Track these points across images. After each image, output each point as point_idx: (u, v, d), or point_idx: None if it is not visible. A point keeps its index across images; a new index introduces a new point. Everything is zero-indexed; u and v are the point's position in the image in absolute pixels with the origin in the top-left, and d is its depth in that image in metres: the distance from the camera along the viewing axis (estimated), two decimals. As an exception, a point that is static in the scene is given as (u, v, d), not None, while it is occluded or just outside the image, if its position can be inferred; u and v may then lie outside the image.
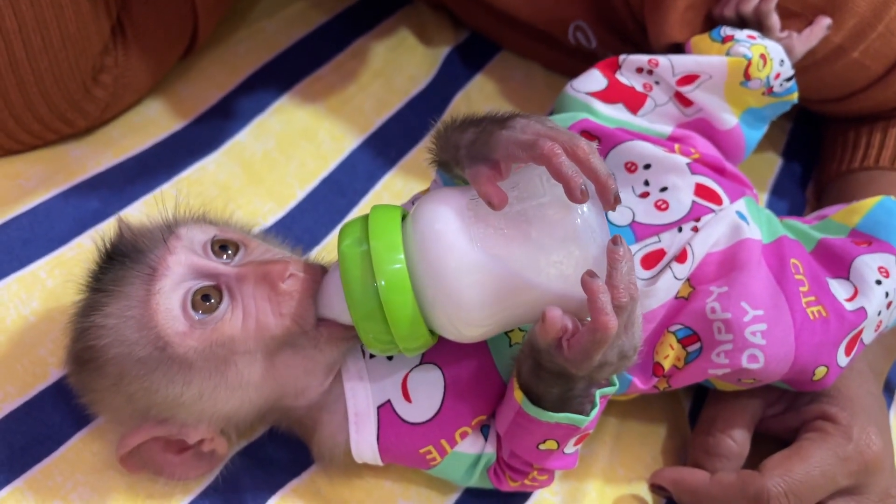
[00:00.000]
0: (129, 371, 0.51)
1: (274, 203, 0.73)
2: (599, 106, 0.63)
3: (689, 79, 0.65)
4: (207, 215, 0.57)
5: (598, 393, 0.51)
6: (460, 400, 0.54)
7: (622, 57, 0.66)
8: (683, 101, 0.65)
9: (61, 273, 0.65)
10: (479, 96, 0.86)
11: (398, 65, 0.87)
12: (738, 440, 0.60)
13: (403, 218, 0.50)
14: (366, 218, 0.50)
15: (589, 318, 0.46)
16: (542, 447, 0.52)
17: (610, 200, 0.46)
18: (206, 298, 0.51)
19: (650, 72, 0.65)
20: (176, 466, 0.55)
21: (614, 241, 0.46)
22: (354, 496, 0.59)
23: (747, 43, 0.65)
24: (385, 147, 0.79)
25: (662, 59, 0.65)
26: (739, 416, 0.60)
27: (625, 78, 0.65)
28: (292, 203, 0.74)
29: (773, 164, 0.86)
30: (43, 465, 0.57)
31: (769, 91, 0.65)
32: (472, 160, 0.48)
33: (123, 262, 0.52)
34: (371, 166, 0.77)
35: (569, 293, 0.47)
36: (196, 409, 0.52)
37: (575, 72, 0.86)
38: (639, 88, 0.65)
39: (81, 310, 0.53)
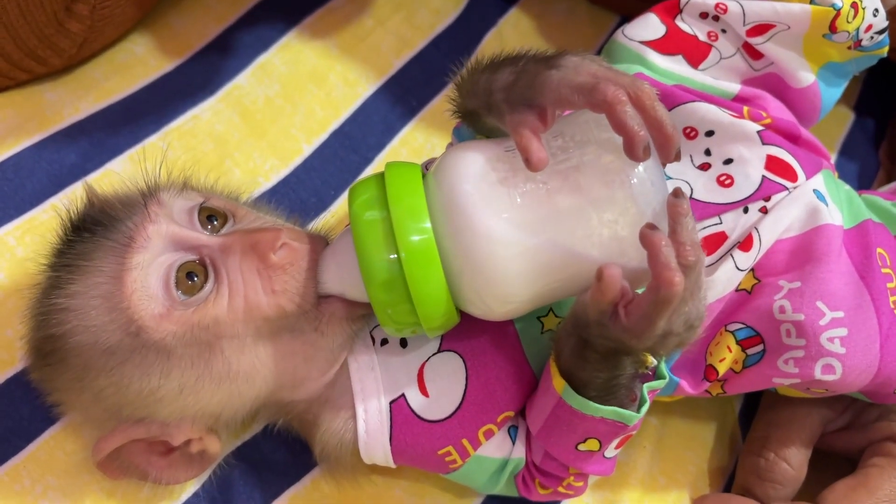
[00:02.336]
0: (95, 361, 0.44)
1: (276, 159, 0.65)
2: (655, 57, 0.55)
3: (761, 28, 0.55)
4: (191, 180, 0.51)
5: (644, 388, 0.45)
6: (484, 393, 0.48)
7: (685, 1, 0.57)
8: (753, 53, 0.56)
9: (32, 239, 0.57)
10: (513, 34, 0.76)
11: (421, -5, 0.76)
12: (794, 464, 0.53)
13: (422, 176, 0.44)
14: (380, 176, 0.44)
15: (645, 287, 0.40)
16: (581, 447, 0.46)
17: (671, 156, 0.41)
18: (190, 276, 0.44)
19: (716, 18, 0.56)
20: (162, 469, 0.48)
21: (675, 193, 0.40)
22: (361, 504, 0.53)
23: None
24: (404, 94, 0.70)
25: (732, 4, 0.56)
26: (797, 435, 0.53)
27: (686, 24, 0.56)
28: (297, 160, 0.65)
29: (844, 119, 0.77)
30: (9, 466, 0.51)
31: (856, 44, 0.56)
32: (511, 105, 0.42)
33: (94, 231, 0.45)
34: (388, 117, 0.69)
35: (624, 258, 0.41)
36: (177, 406, 0.45)
37: (625, 8, 0.77)
38: (702, 37, 0.56)
39: (41, 292, 0.47)
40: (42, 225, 0.58)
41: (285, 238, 0.45)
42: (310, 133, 0.66)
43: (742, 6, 0.55)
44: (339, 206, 0.63)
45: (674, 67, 0.55)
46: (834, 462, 0.56)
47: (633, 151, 0.40)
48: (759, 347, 0.49)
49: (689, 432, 0.58)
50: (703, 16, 0.56)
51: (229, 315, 0.44)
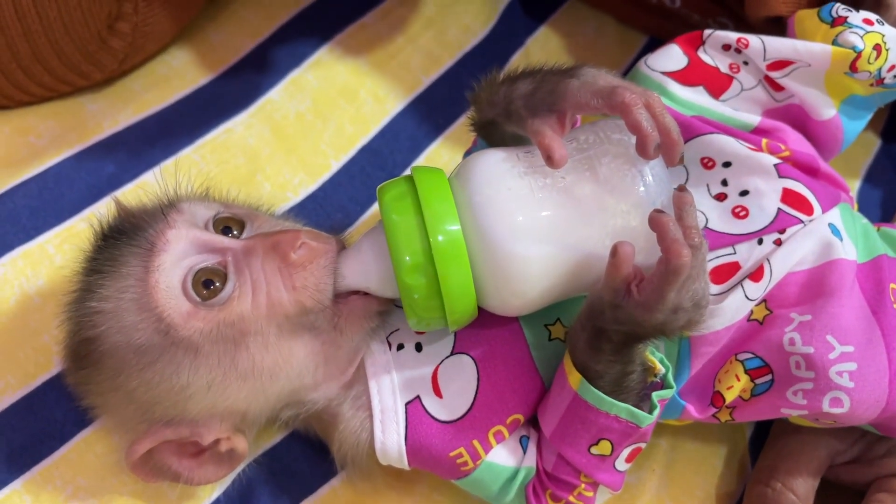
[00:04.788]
0: (128, 362, 0.46)
1: (305, 174, 0.66)
2: (676, 88, 0.56)
3: (781, 64, 0.56)
4: (210, 193, 0.54)
5: (655, 396, 0.47)
6: (494, 395, 0.50)
7: (707, 32, 0.57)
8: (774, 85, 0.57)
9: (71, 248, 0.59)
10: (540, 53, 0.77)
11: (453, 13, 0.77)
12: (800, 494, 0.53)
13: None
14: (408, 176, 0.47)
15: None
16: (594, 450, 0.47)
17: (675, 160, 0.45)
18: (207, 284, 0.47)
19: (738, 51, 0.57)
20: (193, 469, 0.50)
21: (680, 188, 0.45)
22: (376, 516, 0.55)
23: (861, 30, 0.55)
24: (431, 112, 0.71)
25: (754, 40, 0.56)
26: (805, 466, 0.54)
27: (708, 56, 0.57)
28: (325, 175, 0.67)
29: (870, 146, 0.76)
30: (43, 466, 0.53)
31: (879, 83, 0.56)
32: (532, 111, 0.46)
33: (120, 238, 0.48)
34: (415, 133, 0.70)
35: (635, 245, 0.44)
36: (206, 403, 0.47)
37: (653, 30, 0.77)
38: (723, 69, 0.57)
39: (75, 297, 0.49)
40: (79, 234, 0.60)
41: (304, 238, 0.47)
42: (338, 149, 0.68)
43: (763, 42, 0.56)
44: (364, 222, 0.65)
45: (695, 98, 0.56)
46: (839, 493, 0.56)
47: (646, 149, 0.44)
48: (768, 378, 0.50)
49: (698, 457, 0.59)
50: (726, 48, 0.57)
51: (253, 312, 0.46)
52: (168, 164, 0.64)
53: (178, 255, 0.47)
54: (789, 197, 0.52)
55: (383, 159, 0.68)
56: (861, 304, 0.50)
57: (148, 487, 0.53)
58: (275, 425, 0.54)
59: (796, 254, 0.50)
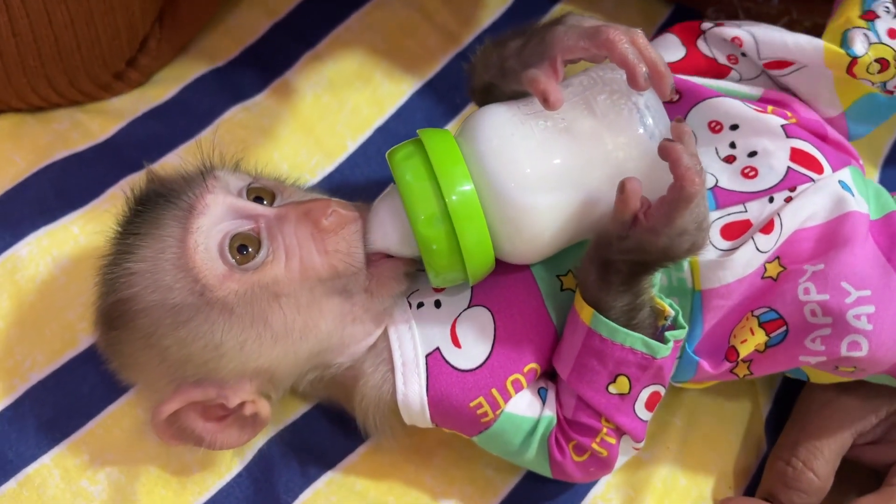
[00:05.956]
0: (163, 320, 0.48)
1: (322, 155, 0.67)
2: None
3: (780, 64, 0.55)
4: (241, 164, 0.55)
5: (668, 335, 0.48)
6: (511, 344, 0.51)
7: (706, 25, 0.57)
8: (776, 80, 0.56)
9: (94, 228, 0.61)
10: (558, 30, 0.76)
11: (472, -12, 0.77)
12: (821, 474, 0.53)
13: None
14: (416, 140, 0.48)
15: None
16: (612, 389, 0.49)
17: (666, 91, 0.46)
18: (241, 249, 0.48)
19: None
20: (217, 434, 0.51)
21: (677, 120, 0.46)
22: (393, 491, 0.56)
23: (875, 37, 0.53)
24: (449, 91, 0.71)
25: (746, 37, 0.55)
26: (826, 446, 0.54)
27: (706, 47, 0.57)
28: (342, 156, 0.67)
29: (890, 128, 0.74)
30: (71, 441, 0.55)
31: (888, 93, 0.54)
32: (524, 64, 0.48)
33: (158, 202, 0.50)
34: (431, 114, 0.70)
35: (638, 175, 0.46)
36: (236, 363, 0.49)
37: (675, -1, 0.76)
38: (721, 60, 0.57)
39: (111, 260, 0.50)
40: (104, 214, 0.60)
41: (335, 206, 0.49)
42: (355, 130, 0.68)
43: (755, 39, 0.55)
44: (381, 202, 0.66)
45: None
46: (859, 472, 0.56)
47: (636, 80, 0.45)
48: (782, 329, 0.50)
49: (713, 434, 0.59)
50: (725, 41, 0.56)
51: (287, 275, 0.48)
52: (188, 145, 0.65)
53: (215, 218, 0.49)
54: (798, 156, 0.52)
55: (400, 140, 0.67)
56: (875, 254, 0.50)
57: (173, 462, 0.55)
58: (299, 391, 0.55)
59: (807, 208, 0.50)
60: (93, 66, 0.63)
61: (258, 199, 0.51)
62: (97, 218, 0.61)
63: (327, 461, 0.56)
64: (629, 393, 0.49)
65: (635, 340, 0.48)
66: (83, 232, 0.61)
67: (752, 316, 0.51)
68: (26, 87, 0.62)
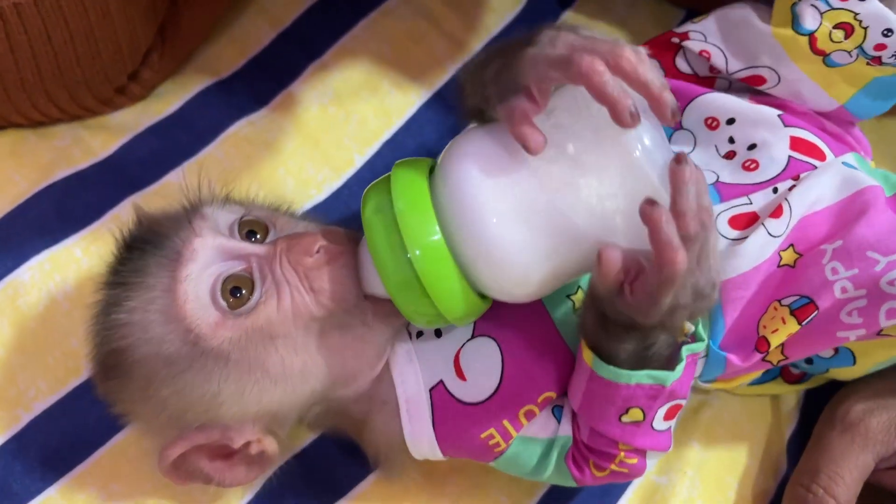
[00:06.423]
0: (158, 372, 0.46)
1: (329, 170, 0.65)
2: None
3: (755, 80, 0.53)
4: (232, 193, 0.53)
5: (685, 350, 0.45)
6: (522, 374, 0.49)
7: (675, 39, 0.55)
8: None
9: (97, 250, 0.60)
10: (569, 35, 0.74)
11: (480, -7, 0.75)
12: (842, 501, 0.52)
13: (432, 170, 0.45)
14: (389, 179, 0.45)
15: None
16: (625, 419, 0.46)
17: (667, 116, 0.39)
18: (234, 292, 0.46)
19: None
20: (224, 472, 0.50)
21: (677, 159, 0.39)
22: (409, 517, 0.55)
23: (824, 4, 0.50)
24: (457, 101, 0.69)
25: (714, 52, 0.53)
26: (848, 472, 0.53)
27: (686, 64, 0.55)
28: (350, 171, 0.66)
29: None
30: (77, 472, 0.54)
31: (876, 61, 0.51)
32: (501, 95, 0.41)
33: (145, 249, 0.48)
34: (441, 127, 0.68)
35: (628, 229, 0.41)
36: (237, 409, 0.47)
37: (690, 1, 0.74)
38: (703, 73, 0.55)
39: (101, 309, 0.49)
40: (106, 236, 0.59)
41: (322, 242, 0.47)
42: (362, 143, 0.66)
43: (724, 53, 0.53)
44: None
45: None
46: (880, 496, 0.55)
47: (620, 118, 0.38)
48: (814, 314, 0.48)
49: (731, 457, 0.58)
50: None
51: (280, 317, 0.46)
52: (190, 163, 0.64)
53: (204, 263, 0.47)
54: (798, 144, 0.50)
55: (408, 153, 0.67)
56: (894, 219, 0.48)
57: (181, 492, 0.54)
58: (304, 424, 0.54)
59: (813, 189, 0.49)
60: (94, 81, 0.62)
61: (251, 234, 0.49)
62: (100, 239, 0.60)
63: (338, 490, 0.55)
64: (644, 419, 0.46)
65: (641, 377, 0.44)
66: (86, 254, 0.60)
67: (781, 305, 0.49)
68: (26, 102, 0.61)
